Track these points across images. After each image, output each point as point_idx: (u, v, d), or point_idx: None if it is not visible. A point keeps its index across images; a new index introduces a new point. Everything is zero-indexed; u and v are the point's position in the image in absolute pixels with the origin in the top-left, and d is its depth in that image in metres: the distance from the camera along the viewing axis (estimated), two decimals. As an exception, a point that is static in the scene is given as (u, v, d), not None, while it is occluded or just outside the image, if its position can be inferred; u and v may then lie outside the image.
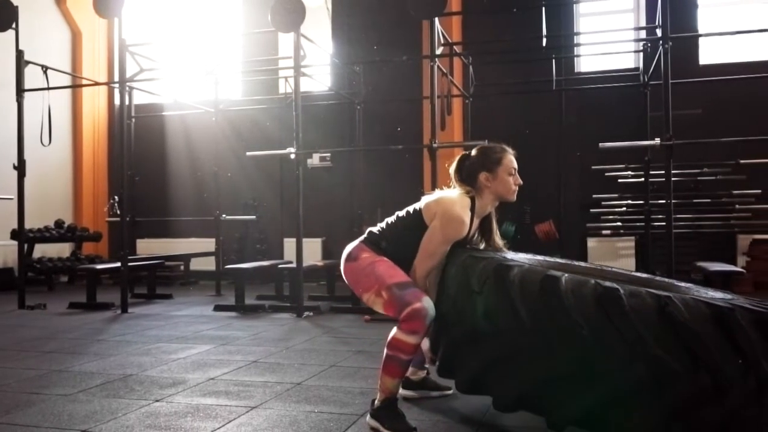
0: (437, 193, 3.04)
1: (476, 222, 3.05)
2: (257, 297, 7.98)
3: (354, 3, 10.87)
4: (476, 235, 3.12)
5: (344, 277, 3.07)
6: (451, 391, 3.40)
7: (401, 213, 3.10)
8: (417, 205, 3.05)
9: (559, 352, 2.37)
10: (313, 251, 10.07)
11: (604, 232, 9.62)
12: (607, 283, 2.37)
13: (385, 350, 2.87)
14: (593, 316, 2.31)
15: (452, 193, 3.02)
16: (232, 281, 7.64)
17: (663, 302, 2.26)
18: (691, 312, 2.25)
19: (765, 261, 8.58)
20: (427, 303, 2.78)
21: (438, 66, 6.76)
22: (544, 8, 7.52)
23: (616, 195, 9.56)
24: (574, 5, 9.89)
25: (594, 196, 9.62)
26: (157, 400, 3.41)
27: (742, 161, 8.38)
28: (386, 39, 10.30)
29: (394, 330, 2.86)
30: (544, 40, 8.08)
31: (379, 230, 3.09)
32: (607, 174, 9.43)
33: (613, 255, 9.45)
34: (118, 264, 7.43)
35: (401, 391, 3.17)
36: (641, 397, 2.27)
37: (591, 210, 9.64)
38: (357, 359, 4.49)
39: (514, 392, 2.54)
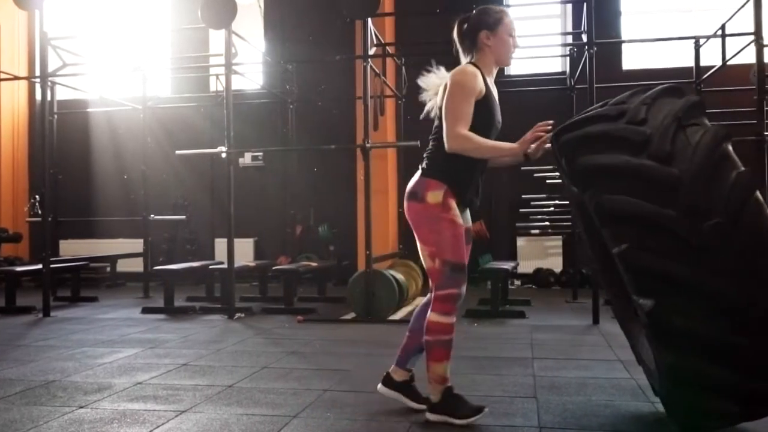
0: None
1: (490, 81, 3.01)
2: (187, 298, 7.83)
3: (286, 1, 10.79)
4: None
5: (407, 215, 3.00)
6: (424, 411, 3.02)
7: (434, 124, 3.04)
8: (440, 103, 2.98)
9: (697, 234, 2.38)
10: (244, 251, 9.95)
11: (532, 231, 9.86)
12: None
13: (425, 338, 2.91)
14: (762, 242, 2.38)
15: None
16: (161, 283, 7.46)
17: None
18: None
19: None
20: (463, 290, 2.90)
21: (371, 66, 6.79)
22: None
23: (544, 195, 9.81)
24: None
25: (523, 196, 9.85)
26: (81, 407, 3.30)
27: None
28: (319, 38, 10.27)
29: (429, 315, 2.91)
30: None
31: (428, 153, 3.01)
32: (535, 174, 9.67)
33: (542, 254, 9.70)
34: (40, 266, 7.15)
35: (379, 386, 3.19)
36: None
37: (520, 210, 9.86)
38: (289, 360, 4.46)
39: (616, 211, 2.51)
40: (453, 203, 2.92)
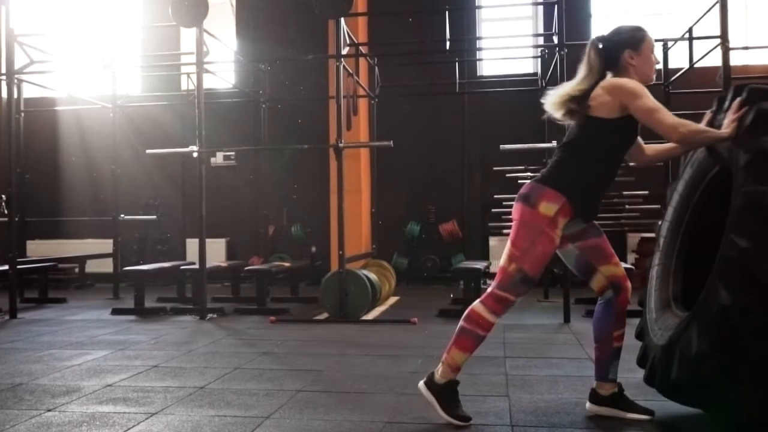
0: (595, 97, 2.87)
1: None
2: (158, 299, 7.74)
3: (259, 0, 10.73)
4: None
5: (513, 214, 2.98)
6: (650, 418, 2.95)
7: (569, 133, 2.98)
8: (582, 117, 2.89)
9: None
10: (216, 252, 9.88)
11: (504, 231, 9.92)
12: None
13: (461, 323, 2.92)
14: None
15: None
16: (131, 283, 7.37)
17: None
18: None
19: (652, 258, 9.09)
20: (518, 300, 2.90)
21: (344, 66, 6.78)
22: (447, 12, 7.69)
23: (515, 195, 9.87)
24: (477, 11, 10.17)
25: (495, 196, 9.88)
26: (49, 410, 3.25)
27: (630, 163, 8.86)
28: (292, 37, 10.22)
29: (475, 304, 2.91)
30: (448, 43, 8.26)
31: (553, 162, 2.97)
32: (507, 174, 9.73)
33: (514, 253, 9.77)
34: (6, 267, 7.02)
35: (588, 405, 3.05)
36: None
37: (492, 210, 9.91)
38: (262, 361, 4.44)
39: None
40: (562, 222, 2.87)
